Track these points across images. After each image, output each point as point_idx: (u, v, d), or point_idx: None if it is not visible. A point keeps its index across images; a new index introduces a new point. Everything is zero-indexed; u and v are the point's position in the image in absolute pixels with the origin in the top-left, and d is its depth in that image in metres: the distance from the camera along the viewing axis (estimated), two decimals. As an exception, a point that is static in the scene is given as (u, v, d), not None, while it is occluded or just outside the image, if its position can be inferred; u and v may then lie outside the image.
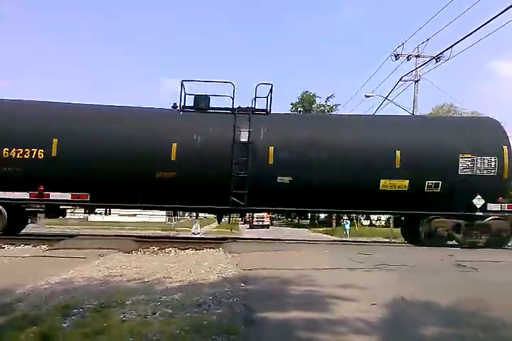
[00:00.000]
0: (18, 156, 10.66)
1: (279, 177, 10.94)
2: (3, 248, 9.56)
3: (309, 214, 46.31)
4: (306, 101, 46.13)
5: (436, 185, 11.12)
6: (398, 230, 15.58)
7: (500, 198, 11.37)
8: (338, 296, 4.82)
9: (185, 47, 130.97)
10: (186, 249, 10.04)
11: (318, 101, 47.07)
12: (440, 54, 20.95)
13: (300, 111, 45.73)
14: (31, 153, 10.68)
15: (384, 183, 11.05)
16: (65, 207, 12.19)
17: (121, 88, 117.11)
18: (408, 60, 24.67)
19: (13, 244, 9.96)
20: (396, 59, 24.62)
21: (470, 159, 11.15)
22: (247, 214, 15.75)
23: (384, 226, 36.19)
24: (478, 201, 11.07)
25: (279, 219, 67.70)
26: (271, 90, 11.72)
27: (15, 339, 3.57)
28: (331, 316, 4.11)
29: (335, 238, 15.03)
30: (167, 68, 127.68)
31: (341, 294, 4.91)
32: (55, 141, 10.74)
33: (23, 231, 12.77)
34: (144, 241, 11.24)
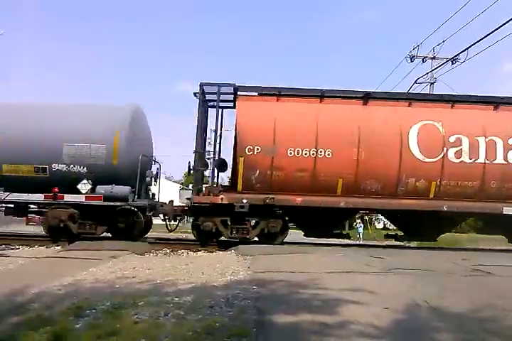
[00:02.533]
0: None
1: None
2: (18, 249, 9.70)
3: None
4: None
5: None
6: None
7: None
8: (351, 300, 4.78)
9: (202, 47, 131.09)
10: (198, 251, 10.10)
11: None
12: (456, 56, 20.75)
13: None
14: None
15: None
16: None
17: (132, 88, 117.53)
18: (423, 62, 24.45)
19: (27, 245, 10.10)
20: (411, 61, 24.39)
21: None
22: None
23: (398, 230, 35.78)
24: None
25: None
26: None
27: (29, 339, 3.61)
28: (343, 320, 4.08)
29: (348, 241, 14.97)
30: (181, 69, 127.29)
31: (353, 298, 4.87)
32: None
33: (40, 231, 12.87)
34: (157, 243, 11.31)
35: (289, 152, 10.78)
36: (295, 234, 12.55)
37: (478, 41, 14.76)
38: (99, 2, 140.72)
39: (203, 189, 11.47)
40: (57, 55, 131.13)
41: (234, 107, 11.77)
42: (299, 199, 10.89)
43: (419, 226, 11.71)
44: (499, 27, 12.63)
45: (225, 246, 10.63)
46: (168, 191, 16.04)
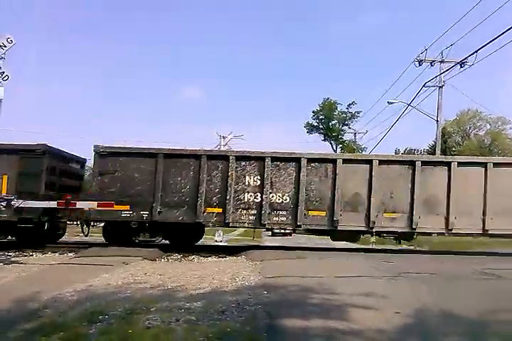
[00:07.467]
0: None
1: None
2: (32, 255, 9.80)
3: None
4: (327, 108, 45.54)
5: None
6: (423, 238, 15.33)
7: None
8: (361, 305, 4.79)
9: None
10: (209, 256, 10.14)
11: (339, 108, 46.49)
12: (464, 59, 20.66)
13: (321, 119, 45.19)
14: None
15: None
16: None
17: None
18: (432, 65, 24.33)
19: (41, 252, 10.21)
20: (420, 64, 24.24)
21: None
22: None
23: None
24: None
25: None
26: None
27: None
28: (353, 325, 4.10)
29: (358, 246, 14.94)
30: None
31: (364, 303, 4.88)
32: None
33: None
34: (168, 249, 11.37)
35: None
36: (305, 239, 12.53)
37: (486, 44, 14.73)
38: None
39: None
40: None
41: None
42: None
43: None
44: (507, 30, 12.60)
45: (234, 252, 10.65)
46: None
